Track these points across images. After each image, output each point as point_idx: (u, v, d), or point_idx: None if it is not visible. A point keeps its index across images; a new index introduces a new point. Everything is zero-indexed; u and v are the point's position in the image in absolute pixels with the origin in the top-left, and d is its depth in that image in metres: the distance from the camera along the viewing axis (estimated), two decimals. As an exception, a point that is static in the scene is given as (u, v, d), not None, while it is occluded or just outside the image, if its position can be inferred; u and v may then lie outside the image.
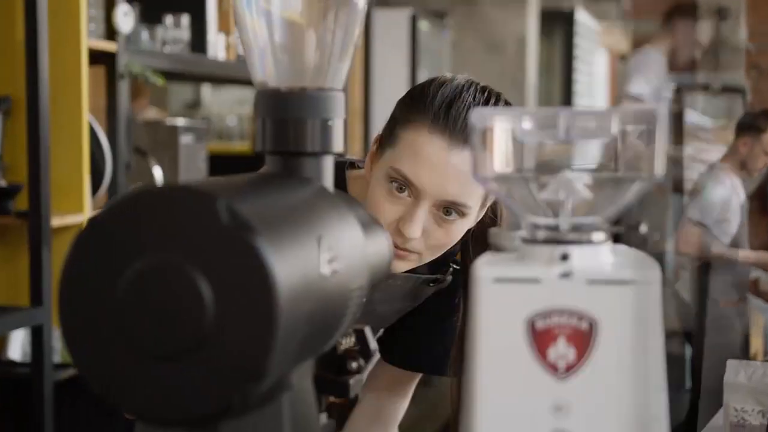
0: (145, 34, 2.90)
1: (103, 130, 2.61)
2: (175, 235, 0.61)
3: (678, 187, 4.84)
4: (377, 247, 0.85)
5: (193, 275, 0.61)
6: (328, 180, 0.82)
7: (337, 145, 0.83)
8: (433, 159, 1.22)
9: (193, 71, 3.15)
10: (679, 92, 4.57)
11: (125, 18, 2.61)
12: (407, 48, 4.79)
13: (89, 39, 2.53)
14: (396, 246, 1.26)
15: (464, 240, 1.35)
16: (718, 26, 9.30)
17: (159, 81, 2.73)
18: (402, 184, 1.24)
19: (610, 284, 0.68)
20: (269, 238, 0.62)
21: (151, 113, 3.76)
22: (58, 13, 2.43)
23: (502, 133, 0.72)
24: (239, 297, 0.60)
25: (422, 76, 5.59)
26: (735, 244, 4.35)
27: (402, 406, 1.50)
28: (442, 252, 1.30)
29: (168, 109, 4.57)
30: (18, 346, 2.54)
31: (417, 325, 1.47)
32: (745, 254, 4.44)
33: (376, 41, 4.66)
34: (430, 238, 1.26)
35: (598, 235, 0.71)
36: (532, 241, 0.72)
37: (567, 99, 7.37)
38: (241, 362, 0.61)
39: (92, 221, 0.63)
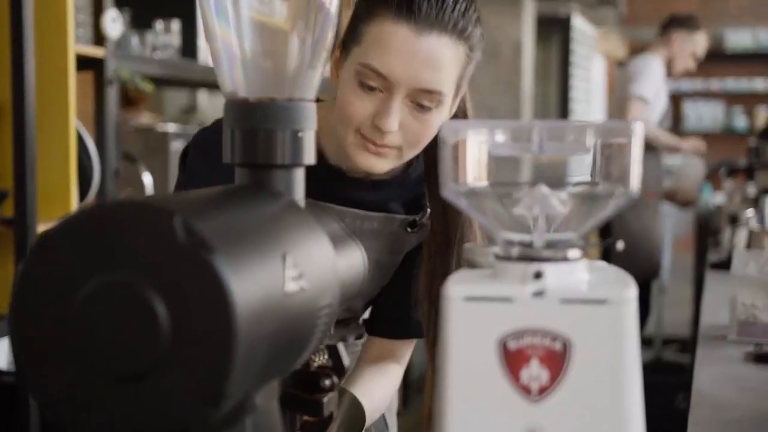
0: (135, 40, 2.88)
1: (91, 137, 2.58)
2: (130, 252, 0.59)
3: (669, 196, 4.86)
4: (349, 260, 0.83)
5: (148, 294, 0.58)
6: (299, 192, 0.80)
7: (309, 156, 0.80)
8: (401, 47, 1.20)
9: (183, 77, 3.13)
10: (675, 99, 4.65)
11: (114, 24, 2.58)
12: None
13: (77, 44, 2.51)
14: (374, 143, 1.24)
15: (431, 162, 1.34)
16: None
17: (148, 87, 2.70)
18: (372, 79, 1.22)
19: (585, 304, 0.66)
20: (228, 255, 0.59)
21: (146, 118, 3.74)
22: (44, 17, 2.41)
23: (474, 146, 0.70)
24: (196, 317, 0.58)
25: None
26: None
27: (399, 373, 1.47)
28: (420, 148, 1.28)
29: (163, 113, 4.55)
30: (4, 355, 2.52)
31: (395, 292, 1.45)
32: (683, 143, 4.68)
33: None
34: (408, 132, 1.24)
35: (574, 252, 0.69)
36: (505, 258, 0.70)
37: (564, 105, 7.35)
38: (198, 385, 0.58)
39: (45, 237, 0.61)
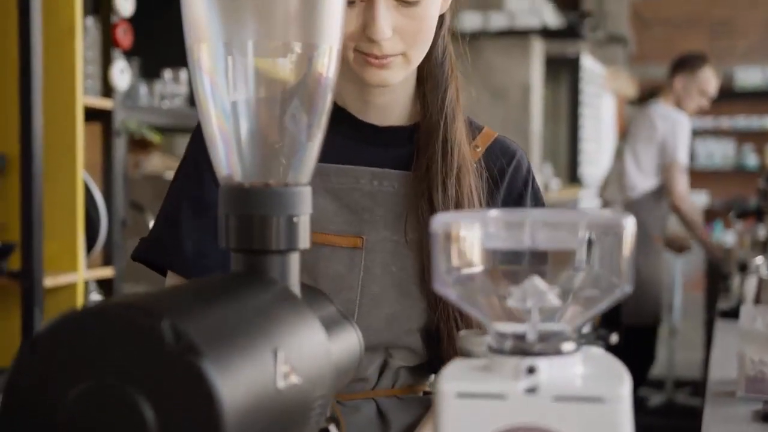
0: (143, 89, 2.90)
1: (98, 188, 2.59)
2: (118, 356, 0.59)
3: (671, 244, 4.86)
4: (344, 345, 0.82)
5: (136, 399, 0.58)
6: (294, 277, 0.80)
7: (304, 241, 0.80)
8: None
9: (192, 125, 3.14)
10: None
11: (122, 75, 2.60)
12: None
13: (86, 96, 2.52)
14: (375, 56, 1.16)
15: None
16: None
17: (156, 138, 2.72)
18: None
19: (579, 401, 0.65)
20: (217, 358, 0.59)
21: (156, 160, 3.76)
22: (53, 69, 2.43)
23: (466, 238, 0.69)
24: (184, 422, 0.58)
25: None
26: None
27: None
28: (426, 45, 1.19)
29: (174, 154, 4.57)
30: None
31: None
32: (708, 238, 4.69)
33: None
34: (405, 33, 1.16)
35: (567, 345, 0.69)
36: (498, 351, 0.69)
37: (573, 145, 7.35)
38: (187, 489, 0.58)
39: (34, 340, 0.60)
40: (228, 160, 0.80)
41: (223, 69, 0.79)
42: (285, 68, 0.79)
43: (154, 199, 3.06)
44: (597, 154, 8.10)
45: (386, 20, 1.13)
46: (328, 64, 0.81)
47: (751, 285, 2.93)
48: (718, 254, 4.80)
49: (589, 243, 0.69)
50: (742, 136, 9.93)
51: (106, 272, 2.67)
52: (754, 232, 4.28)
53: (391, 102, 1.27)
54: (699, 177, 10.07)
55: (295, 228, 0.79)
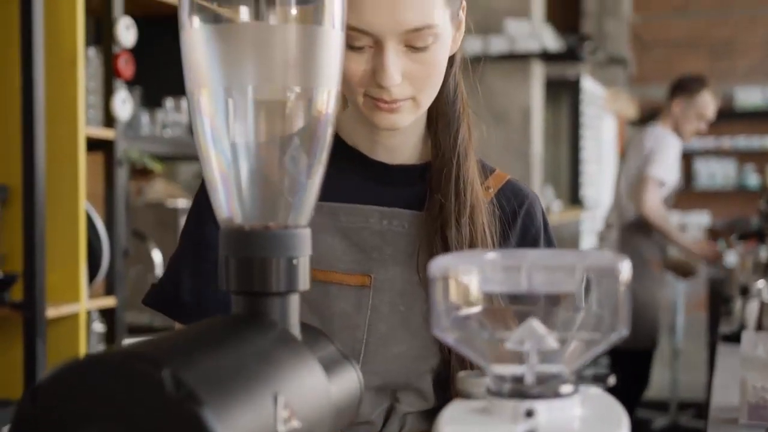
0: (145, 118, 2.91)
1: (100, 217, 2.60)
2: (119, 405, 0.59)
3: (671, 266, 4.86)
4: (344, 385, 0.83)
5: (137, 447, 0.58)
6: (294, 319, 0.80)
7: (304, 283, 0.81)
8: None
9: (193, 154, 3.16)
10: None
11: (123, 105, 2.62)
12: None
13: (88, 126, 2.54)
14: (384, 101, 1.15)
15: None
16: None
17: (157, 167, 2.73)
18: (357, 39, 1.13)
19: (577, 445, 0.65)
20: (218, 405, 0.60)
21: (159, 187, 3.77)
22: (55, 100, 2.44)
23: (463, 281, 0.70)
24: (185, 470, 0.58)
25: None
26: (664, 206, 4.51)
27: None
28: (436, 88, 1.18)
29: (177, 180, 4.59)
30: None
31: None
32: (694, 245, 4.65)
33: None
34: (414, 78, 1.15)
35: (566, 388, 0.69)
36: (497, 393, 0.70)
37: (574, 166, 7.37)
38: None
39: (35, 389, 0.61)
40: (228, 203, 0.81)
41: (224, 113, 0.80)
42: (284, 112, 0.80)
43: (157, 226, 3.07)
44: (598, 175, 8.12)
45: (395, 66, 1.13)
46: (327, 106, 0.82)
47: (752, 309, 2.93)
48: (708, 255, 4.79)
49: (587, 285, 0.70)
50: (744, 156, 9.95)
51: (109, 302, 2.67)
52: (755, 254, 4.28)
53: (402, 142, 1.27)
54: (700, 197, 10.09)
55: (294, 270, 0.79)
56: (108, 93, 2.62)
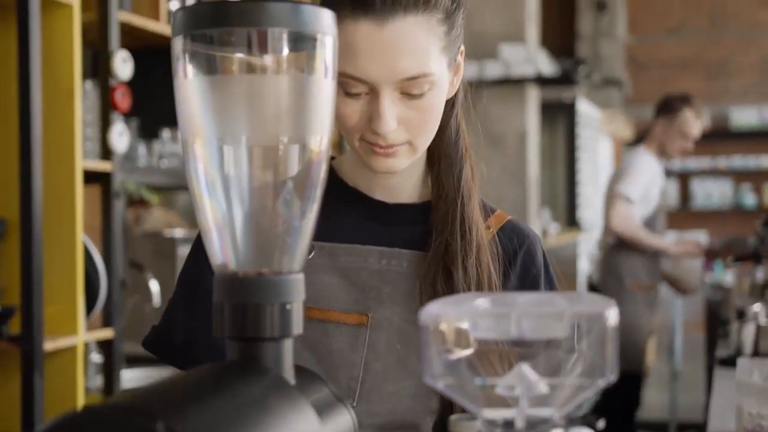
0: (142, 149, 2.93)
1: (98, 249, 2.61)
2: (114, 458, 0.60)
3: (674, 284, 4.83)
4: (337, 428, 0.84)
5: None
6: (287, 363, 0.81)
7: (297, 327, 0.82)
8: (367, 45, 1.11)
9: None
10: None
11: (120, 138, 2.63)
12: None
13: (85, 159, 2.55)
14: (380, 146, 1.16)
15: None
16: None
17: (154, 199, 2.74)
18: (353, 86, 1.14)
19: (567, 491, 0.66)
20: (212, 457, 0.61)
21: (158, 214, 3.78)
22: (53, 134, 2.46)
23: (454, 329, 0.71)
24: None
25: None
26: (649, 227, 4.42)
27: None
28: (432, 133, 1.19)
29: (175, 207, 4.60)
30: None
31: None
32: (673, 246, 4.55)
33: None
34: (410, 124, 1.16)
35: (556, 431, 0.70)
36: (488, 439, 0.71)
37: (570, 188, 7.39)
38: None
39: (32, 442, 0.62)
40: (222, 249, 0.82)
41: (217, 161, 0.81)
42: (277, 159, 0.82)
43: (155, 256, 3.07)
44: (595, 197, 8.14)
45: (391, 113, 1.14)
46: (319, 153, 0.83)
47: (749, 332, 2.93)
48: (689, 251, 4.73)
49: (576, 331, 0.71)
50: (740, 176, 9.98)
51: (106, 333, 2.68)
52: (753, 275, 4.29)
53: (401, 182, 1.28)
54: (697, 217, 10.11)
55: (288, 315, 0.81)
56: (105, 126, 2.63)
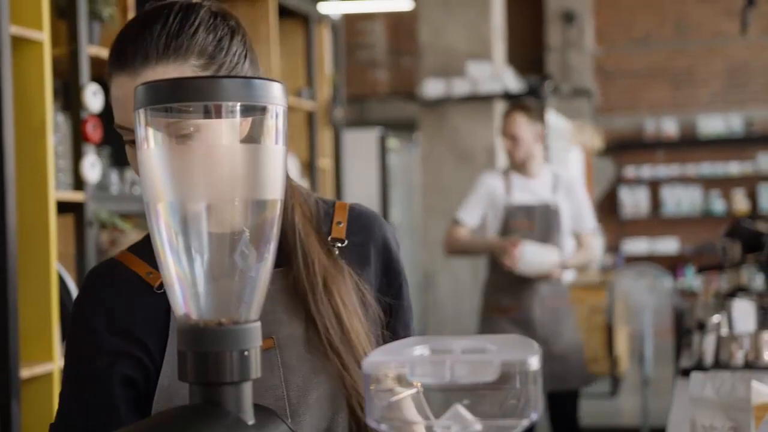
0: (114, 177, 2.99)
1: (72, 277, 2.67)
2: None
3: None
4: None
5: None
6: (247, 404, 0.89)
7: (255, 371, 0.89)
8: (126, 95, 1.17)
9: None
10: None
11: (92, 168, 2.69)
12: (377, 165, 4.89)
13: (58, 190, 2.61)
14: None
15: None
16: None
17: (126, 227, 2.80)
18: (124, 134, 1.20)
19: None
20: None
21: (133, 237, 3.82)
22: (25, 166, 2.51)
23: (393, 376, 0.79)
24: None
25: (393, 192, 5.73)
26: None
27: None
28: None
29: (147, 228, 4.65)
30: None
31: None
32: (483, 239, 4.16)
33: (346, 161, 4.78)
34: None
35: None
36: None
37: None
38: None
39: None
40: (184, 301, 0.89)
41: (178, 221, 0.88)
42: (233, 218, 0.89)
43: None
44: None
45: None
46: (273, 210, 0.91)
47: (709, 343, 3.01)
48: (503, 246, 4.12)
49: (505, 375, 0.78)
50: (709, 183, 10.14)
51: (82, 358, 2.73)
52: (718, 283, 4.39)
53: None
54: (668, 224, 10.26)
55: (247, 360, 0.88)
56: (77, 157, 2.69)
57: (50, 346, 2.52)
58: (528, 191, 4.13)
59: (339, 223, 1.33)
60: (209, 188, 0.88)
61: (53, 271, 2.53)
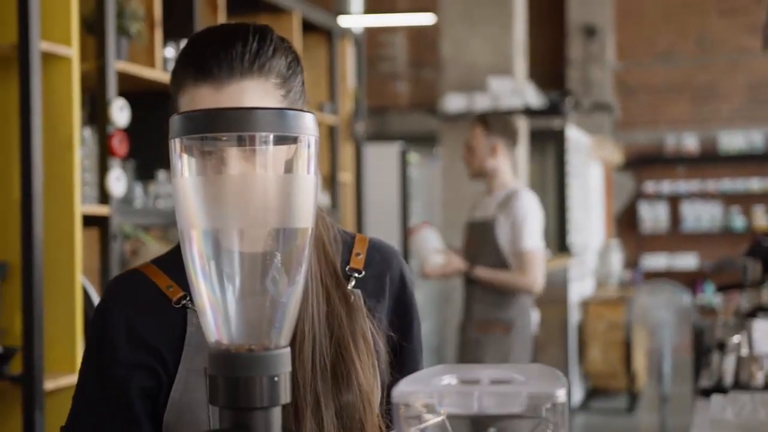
0: (139, 191, 3.02)
1: (96, 291, 2.69)
2: None
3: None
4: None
5: None
6: (276, 430, 0.90)
7: (285, 397, 0.91)
8: (205, 107, 1.19)
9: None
10: None
11: (118, 182, 2.72)
12: (398, 179, 4.90)
13: (84, 204, 2.64)
14: None
15: None
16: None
17: (149, 241, 2.83)
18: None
19: None
20: None
21: (154, 248, 3.85)
22: (53, 180, 2.54)
23: (422, 405, 0.80)
24: None
25: (414, 206, 5.75)
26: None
27: None
28: None
29: (170, 239, 4.68)
30: None
31: None
32: (483, 272, 3.94)
33: (367, 175, 4.80)
34: None
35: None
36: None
37: (561, 214, 7.48)
38: None
39: None
40: (216, 327, 0.91)
41: (211, 248, 0.90)
42: (265, 245, 0.91)
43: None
44: (585, 221, 8.23)
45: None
46: (303, 238, 0.92)
47: (729, 364, 3.00)
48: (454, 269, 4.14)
49: (532, 406, 0.80)
50: (729, 199, 10.10)
51: (105, 370, 2.76)
52: (738, 302, 4.37)
53: None
54: (688, 239, 10.22)
55: (276, 386, 0.90)
56: (103, 171, 2.72)
57: (74, 358, 2.55)
58: (482, 208, 4.09)
59: (358, 254, 1.35)
60: (242, 217, 0.90)
61: (78, 284, 2.56)
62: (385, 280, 1.35)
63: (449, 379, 0.83)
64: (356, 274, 1.32)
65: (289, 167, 0.90)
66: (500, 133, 4.04)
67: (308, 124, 0.90)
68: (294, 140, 0.90)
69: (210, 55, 1.21)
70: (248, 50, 1.22)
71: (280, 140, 0.89)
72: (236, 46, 1.22)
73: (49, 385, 2.48)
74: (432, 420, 0.82)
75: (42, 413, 2.41)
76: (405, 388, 0.81)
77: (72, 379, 2.57)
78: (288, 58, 1.26)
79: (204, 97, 1.21)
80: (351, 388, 1.24)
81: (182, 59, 1.25)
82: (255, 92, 1.22)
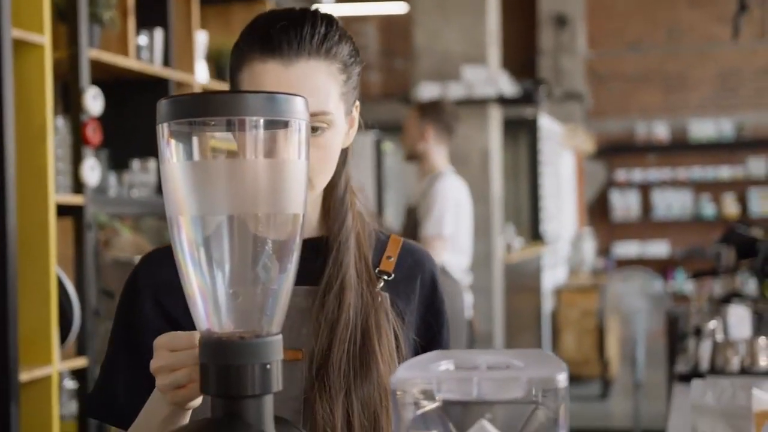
0: (113, 180, 2.98)
1: (70, 280, 2.66)
2: None
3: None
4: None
5: None
6: (268, 417, 0.89)
7: (276, 384, 0.89)
8: (272, 81, 1.20)
9: (160, 213, 3.23)
10: None
11: (92, 172, 2.69)
12: (372, 169, 4.88)
13: (58, 194, 2.60)
14: None
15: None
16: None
17: (124, 230, 2.80)
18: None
19: None
20: None
21: (127, 237, 3.81)
22: (26, 169, 2.51)
23: (421, 391, 0.79)
24: None
25: (388, 195, 5.74)
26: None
27: None
28: (330, 171, 1.25)
29: (143, 230, 4.64)
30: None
31: None
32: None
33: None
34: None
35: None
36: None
37: (534, 202, 7.50)
38: None
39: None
40: (206, 316, 0.90)
41: (200, 235, 0.88)
42: (256, 231, 0.89)
43: (123, 283, 3.11)
44: (558, 210, 8.27)
45: None
46: (294, 224, 0.91)
47: (705, 349, 3.01)
48: None
49: (532, 391, 0.79)
50: (699, 187, 10.17)
51: (80, 362, 2.73)
52: (711, 288, 4.39)
53: None
54: (658, 227, 10.28)
55: (268, 374, 0.88)
56: (77, 160, 2.69)
57: (50, 350, 2.52)
58: (414, 193, 4.19)
59: (389, 257, 1.34)
60: (232, 202, 0.88)
61: (53, 274, 2.53)
62: (416, 283, 1.34)
63: (447, 365, 0.81)
64: (385, 277, 1.31)
65: (279, 152, 0.88)
66: (432, 118, 4.07)
67: (298, 108, 0.89)
68: (285, 125, 0.88)
69: (280, 31, 1.21)
70: (317, 32, 1.23)
71: (269, 124, 0.87)
72: (305, 27, 1.22)
73: (24, 376, 2.44)
74: (430, 406, 0.81)
75: (17, 405, 2.38)
76: (403, 374, 0.79)
77: (47, 370, 2.54)
78: (351, 47, 1.27)
79: (270, 72, 1.20)
80: (371, 379, 1.23)
81: (247, 34, 1.24)
82: (321, 72, 1.22)
